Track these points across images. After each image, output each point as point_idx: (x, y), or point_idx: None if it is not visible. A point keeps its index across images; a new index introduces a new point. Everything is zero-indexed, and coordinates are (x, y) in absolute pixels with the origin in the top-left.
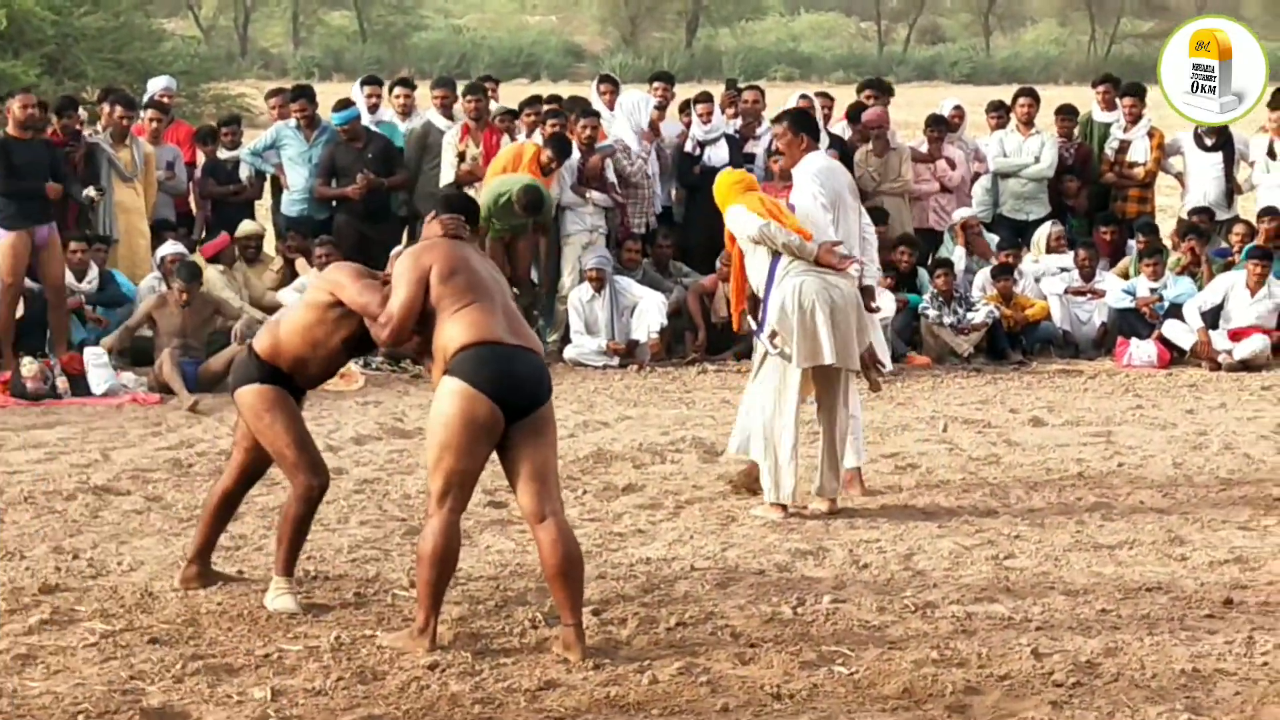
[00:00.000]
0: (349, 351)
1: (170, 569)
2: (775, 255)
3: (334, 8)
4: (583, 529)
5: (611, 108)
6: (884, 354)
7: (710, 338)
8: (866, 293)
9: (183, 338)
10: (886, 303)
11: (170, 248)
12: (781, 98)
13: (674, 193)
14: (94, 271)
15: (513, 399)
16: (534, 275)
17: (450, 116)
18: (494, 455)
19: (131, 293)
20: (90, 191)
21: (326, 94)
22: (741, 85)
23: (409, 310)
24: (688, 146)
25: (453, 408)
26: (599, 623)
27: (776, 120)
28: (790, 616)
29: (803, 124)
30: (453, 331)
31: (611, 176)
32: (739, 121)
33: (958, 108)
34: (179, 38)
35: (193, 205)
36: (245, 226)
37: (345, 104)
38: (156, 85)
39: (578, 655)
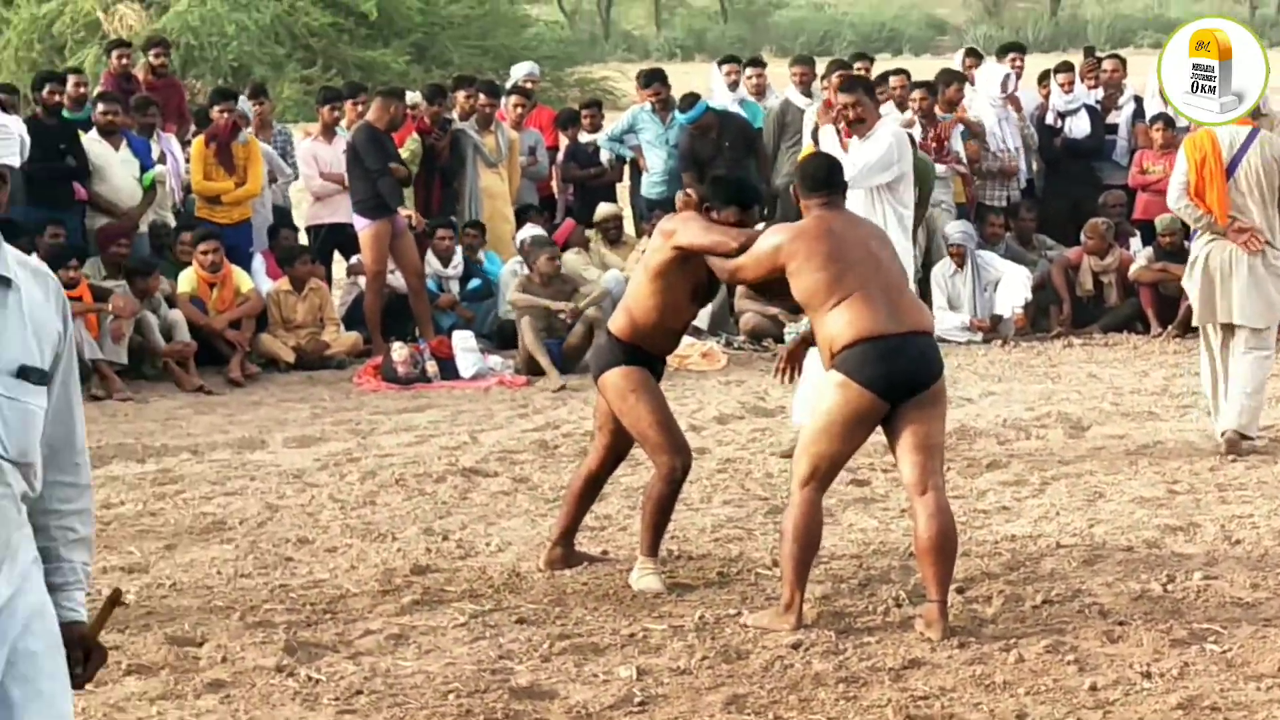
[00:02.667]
0: (699, 302)
1: (537, 550)
2: None
3: None
4: None
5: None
6: None
7: (1075, 311)
8: None
9: (545, 317)
10: None
11: (530, 231)
12: (1149, 64)
13: (1033, 165)
14: (458, 257)
15: (901, 389)
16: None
17: (809, 94)
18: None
19: (497, 273)
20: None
21: (689, 74)
22: (1102, 54)
23: (757, 271)
24: (1048, 118)
25: (837, 400)
26: (964, 600)
27: None
28: (1160, 593)
29: None
30: (837, 326)
31: (957, 147)
32: (1100, 92)
33: None
34: (543, 23)
35: (554, 189)
36: (604, 209)
37: (692, 100)
38: (520, 71)
39: (939, 633)
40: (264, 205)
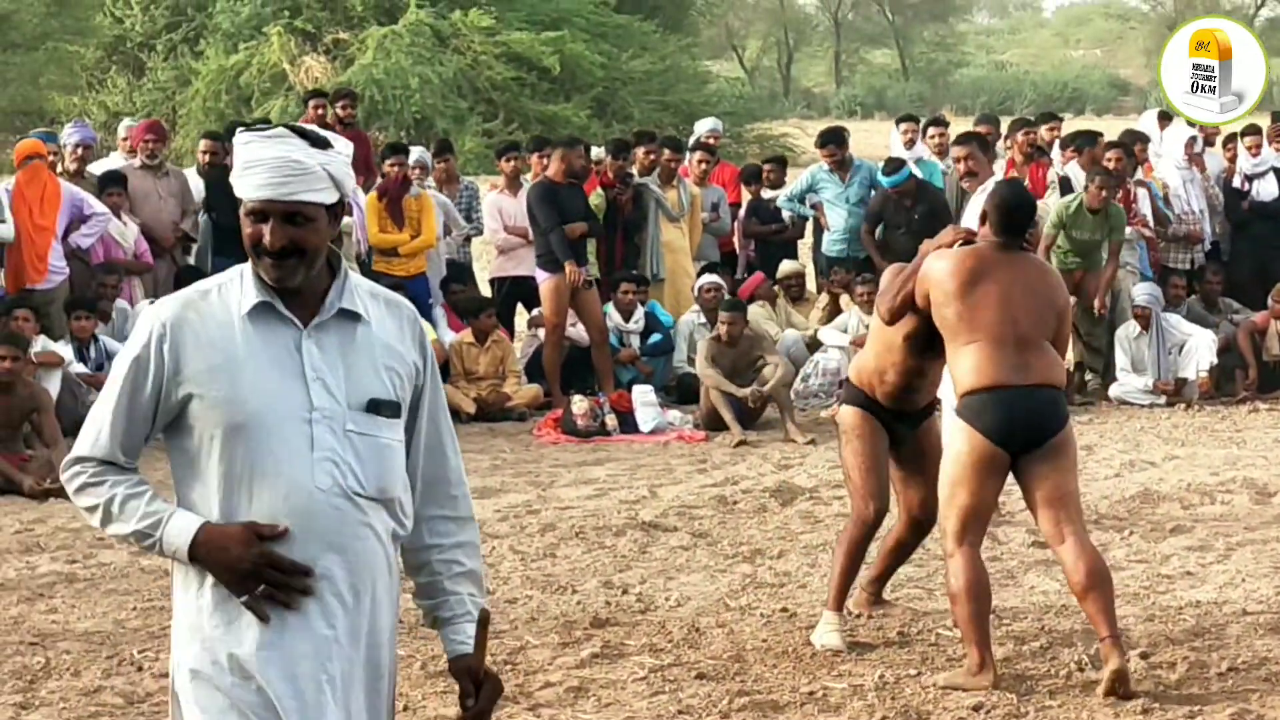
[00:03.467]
0: (917, 351)
1: (716, 605)
2: None
3: (876, 46)
4: (1130, 570)
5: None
6: None
7: (1262, 375)
8: None
9: (727, 372)
10: None
11: (708, 278)
12: None
13: (1217, 227)
14: (640, 311)
15: (1018, 440)
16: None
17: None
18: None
19: (669, 324)
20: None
21: (868, 131)
22: None
23: (899, 299)
24: (1235, 181)
25: (961, 446)
26: (1147, 666)
27: None
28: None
29: None
30: (962, 369)
31: (1145, 210)
32: None
33: None
34: (723, 79)
35: (736, 244)
36: (786, 266)
37: (898, 165)
38: (703, 127)
39: (1116, 665)
40: (438, 256)
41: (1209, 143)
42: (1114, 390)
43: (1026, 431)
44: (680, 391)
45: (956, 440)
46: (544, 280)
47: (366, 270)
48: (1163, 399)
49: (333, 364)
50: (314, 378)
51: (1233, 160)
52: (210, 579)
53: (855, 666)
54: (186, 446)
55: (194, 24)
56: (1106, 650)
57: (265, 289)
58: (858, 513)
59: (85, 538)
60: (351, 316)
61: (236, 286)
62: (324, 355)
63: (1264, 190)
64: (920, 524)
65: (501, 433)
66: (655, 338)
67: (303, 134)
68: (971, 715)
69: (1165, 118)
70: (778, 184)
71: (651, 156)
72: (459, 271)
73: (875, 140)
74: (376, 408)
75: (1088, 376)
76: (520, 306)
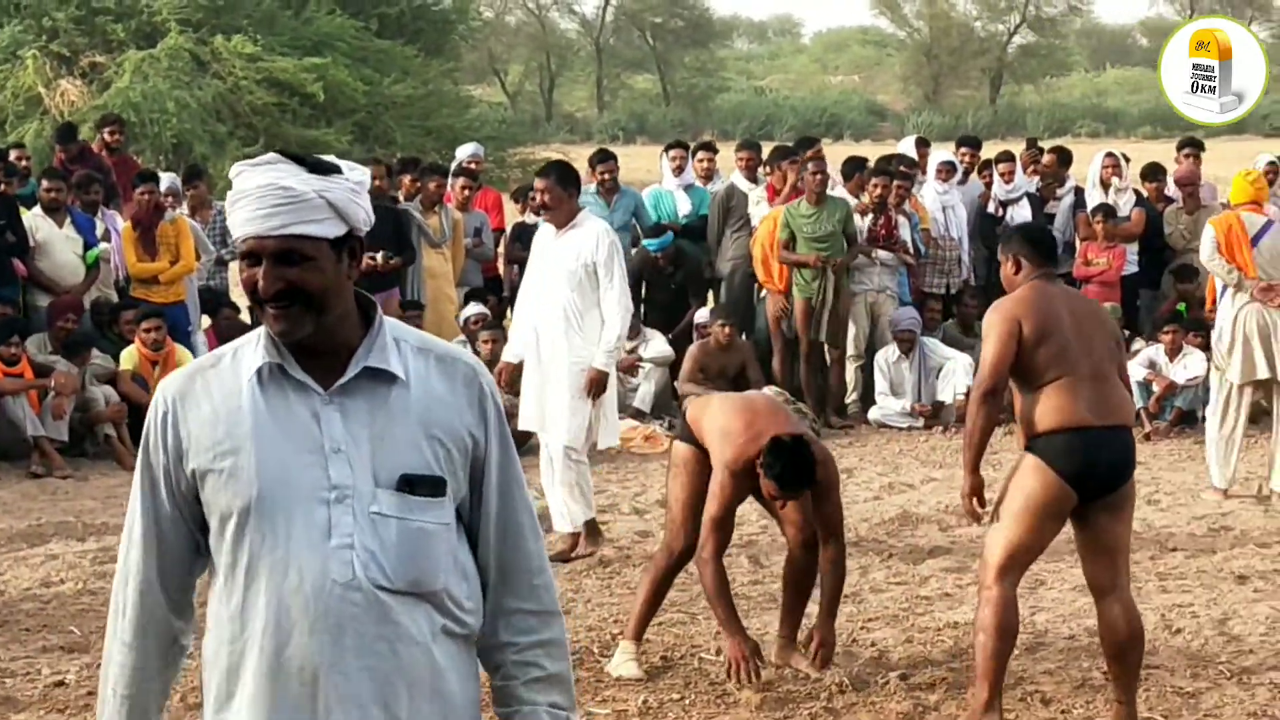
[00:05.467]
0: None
1: None
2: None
3: (637, 71)
4: (889, 592)
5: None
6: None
7: None
8: None
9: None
10: (1196, 364)
11: (474, 309)
12: (1086, 153)
13: (972, 254)
14: None
15: (1092, 485)
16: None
17: (754, 179)
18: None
19: None
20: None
21: (630, 156)
22: (1044, 144)
23: (1001, 365)
24: (990, 207)
25: (1033, 484)
26: (907, 688)
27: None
28: (1101, 682)
29: None
30: (1041, 410)
31: (906, 236)
32: (1039, 180)
33: (1272, 163)
34: (486, 104)
35: (500, 269)
36: None
37: (662, 230)
38: (465, 152)
39: None
40: (191, 282)
41: (968, 170)
42: (873, 413)
43: (1102, 475)
44: None
45: (1029, 478)
46: None
47: (125, 297)
48: (921, 422)
49: (358, 434)
50: (333, 450)
51: (988, 185)
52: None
53: (619, 692)
54: (211, 542)
55: None
56: (1120, 716)
57: (276, 349)
58: (668, 544)
59: None
60: (385, 377)
61: (251, 349)
62: (347, 424)
63: (1018, 215)
64: (807, 542)
65: None
66: None
67: (300, 160)
68: None
69: (923, 144)
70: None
71: (415, 184)
72: (217, 299)
73: (637, 165)
74: (410, 486)
75: (848, 399)
76: None
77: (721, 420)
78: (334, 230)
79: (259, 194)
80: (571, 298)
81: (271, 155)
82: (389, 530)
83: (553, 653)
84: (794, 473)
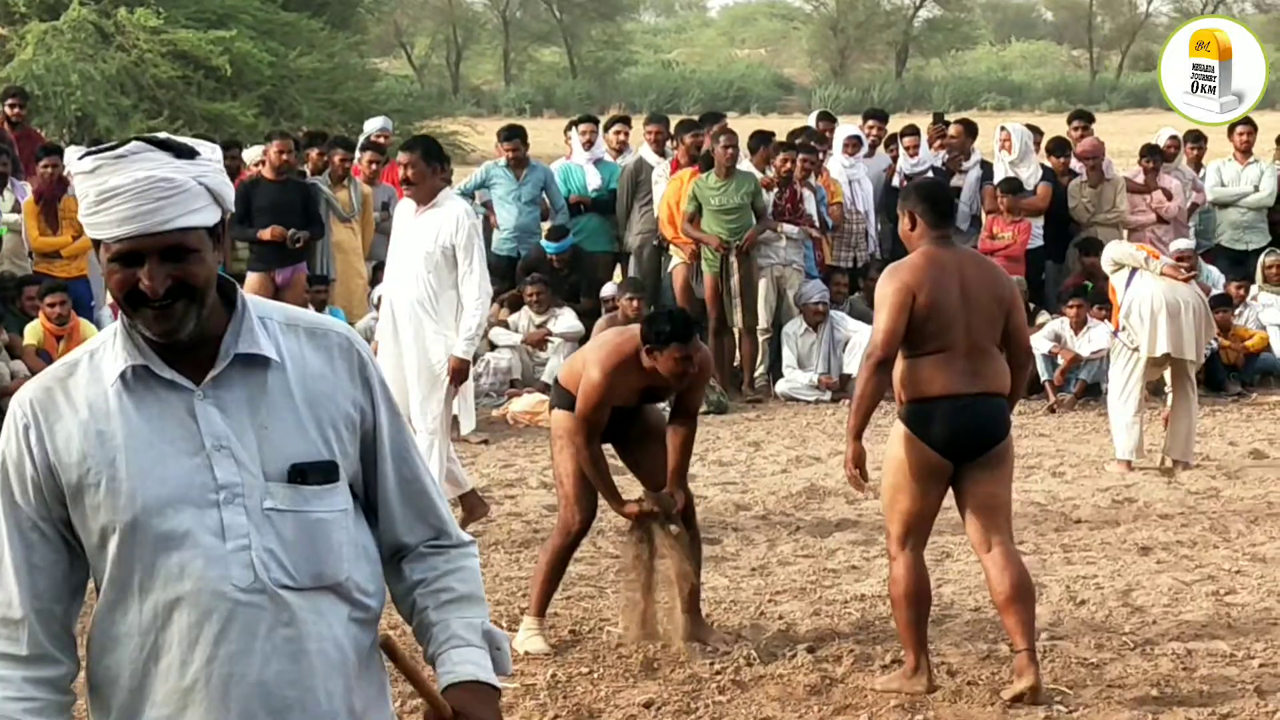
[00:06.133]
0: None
1: None
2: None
3: (544, 44)
4: (797, 565)
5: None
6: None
7: None
8: None
9: None
10: (1101, 336)
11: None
12: (992, 126)
13: (879, 228)
14: (326, 312)
15: (962, 449)
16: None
17: (662, 153)
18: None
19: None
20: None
21: (537, 129)
22: (951, 118)
23: (894, 335)
24: (896, 180)
25: (902, 454)
26: (814, 660)
27: None
28: (1006, 654)
29: None
30: (914, 378)
31: (811, 210)
32: (945, 154)
33: (1173, 137)
34: (392, 77)
35: None
36: None
37: (562, 234)
38: (373, 126)
39: (1030, 681)
40: (93, 257)
41: (874, 144)
42: (780, 386)
43: (970, 439)
44: None
45: (897, 447)
46: (250, 278)
47: (30, 273)
48: (828, 395)
49: (239, 427)
50: (216, 448)
51: (895, 159)
52: None
53: (527, 666)
54: (92, 560)
55: None
56: (1022, 664)
57: (137, 348)
58: (564, 521)
59: None
60: (259, 362)
61: (108, 351)
62: (227, 418)
63: None
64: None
65: None
66: None
67: (163, 145)
68: (643, 713)
69: (827, 118)
70: (447, 182)
71: (323, 158)
72: None
73: (544, 139)
74: (303, 475)
75: (756, 372)
76: None
77: (590, 353)
78: (212, 217)
79: (137, 189)
80: (427, 279)
81: (133, 144)
82: (285, 526)
83: (464, 577)
84: (683, 320)
